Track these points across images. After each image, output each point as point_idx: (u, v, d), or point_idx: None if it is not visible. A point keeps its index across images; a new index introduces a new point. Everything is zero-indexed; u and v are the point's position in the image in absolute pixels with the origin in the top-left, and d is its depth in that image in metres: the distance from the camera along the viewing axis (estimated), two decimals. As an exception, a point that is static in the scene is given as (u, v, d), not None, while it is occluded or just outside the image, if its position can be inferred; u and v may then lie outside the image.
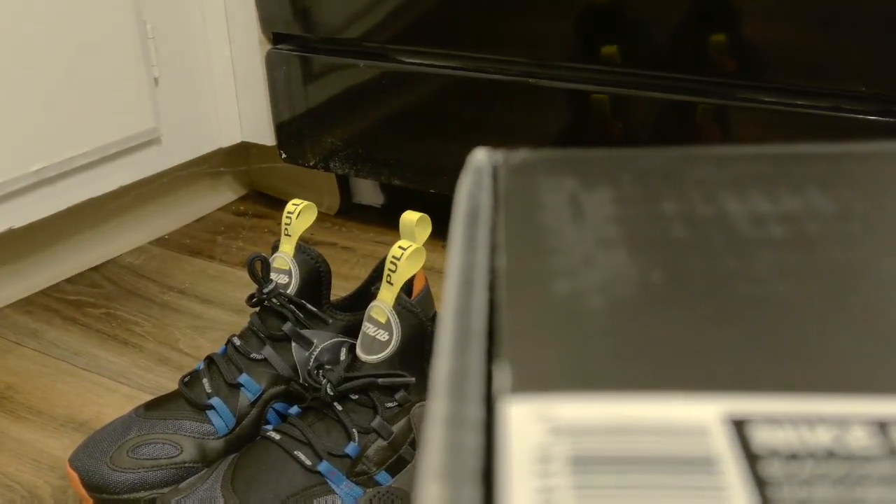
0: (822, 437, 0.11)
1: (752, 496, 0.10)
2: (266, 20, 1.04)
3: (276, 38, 1.06)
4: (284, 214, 0.74)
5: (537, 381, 0.12)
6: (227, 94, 1.09)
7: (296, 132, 1.08)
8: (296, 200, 0.75)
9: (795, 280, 0.15)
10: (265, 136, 1.11)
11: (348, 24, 1.00)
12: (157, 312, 0.96)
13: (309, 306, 0.73)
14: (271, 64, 1.06)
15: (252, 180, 1.25)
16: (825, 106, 0.79)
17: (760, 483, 0.11)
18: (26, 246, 0.98)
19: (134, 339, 0.91)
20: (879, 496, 0.10)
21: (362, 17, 0.99)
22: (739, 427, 0.11)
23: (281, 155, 1.11)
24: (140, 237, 1.10)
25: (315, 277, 0.74)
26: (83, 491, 0.67)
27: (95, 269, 1.05)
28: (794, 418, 0.12)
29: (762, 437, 0.11)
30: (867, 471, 0.11)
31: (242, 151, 1.19)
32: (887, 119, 0.76)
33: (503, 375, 0.13)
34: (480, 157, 0.21)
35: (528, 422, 0.12)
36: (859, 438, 0.11)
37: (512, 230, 0.17)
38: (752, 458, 0.11)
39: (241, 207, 1.21)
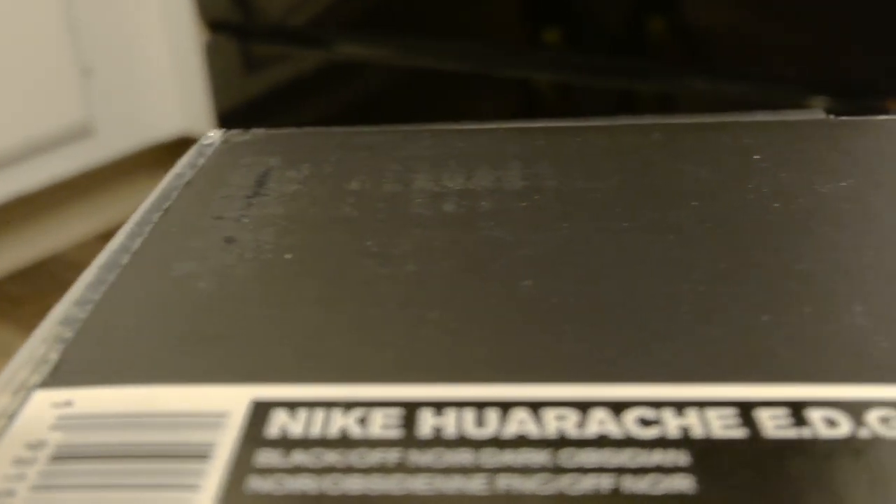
0: (340, 424, 0.11)
1: (228, 486, 0.10)
2: (204, 7, 1.03)
3: (215, 27, 1.05)
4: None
5: (71, 373, 0.12)
6: (165, 86, 1.08)
7: (238, 125, 1.07)
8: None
9: (430, 260, 0.14)
10: (206, 128, 1.10)
11: (290, 12, 0.99)
12: (95, 307, 0.95)
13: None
14: (210, 53, 1.04)
15: (200, 172, 1.24)
16: (759, 91, 0.78)
17: (245, 472, 0.10)
18: (-39, 242, 0.97)
19: (68, 333, 0.90)
20: (356, 485, 0.10)
21: (304, 5, 0.98)
22: (259, 416, 0.11)
23: (223, 146, 1.09)
24: (85, 231, 1.09)
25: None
26: None
27: (39, 264, 1.04)
28: (321, 404, 0.11)
29: (278, 426, 0.11)
30: (367, 459, 0.10)
31: (185, 144, 1.18)
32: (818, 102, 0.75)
33: (46, 365, 0.12)
34: (212, 137, 0.20)
35: (37, 413, 0.11)
36: (378, 426, 0.10)
37: (175, 211, 0.16)
38: (253, 446, 0.10)
39: (188, 199, 1.20)
